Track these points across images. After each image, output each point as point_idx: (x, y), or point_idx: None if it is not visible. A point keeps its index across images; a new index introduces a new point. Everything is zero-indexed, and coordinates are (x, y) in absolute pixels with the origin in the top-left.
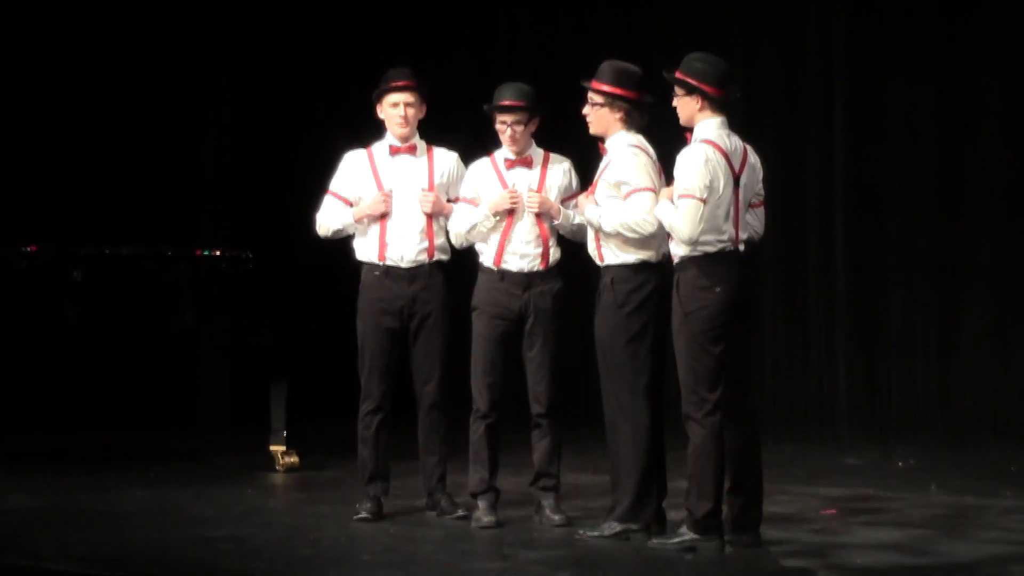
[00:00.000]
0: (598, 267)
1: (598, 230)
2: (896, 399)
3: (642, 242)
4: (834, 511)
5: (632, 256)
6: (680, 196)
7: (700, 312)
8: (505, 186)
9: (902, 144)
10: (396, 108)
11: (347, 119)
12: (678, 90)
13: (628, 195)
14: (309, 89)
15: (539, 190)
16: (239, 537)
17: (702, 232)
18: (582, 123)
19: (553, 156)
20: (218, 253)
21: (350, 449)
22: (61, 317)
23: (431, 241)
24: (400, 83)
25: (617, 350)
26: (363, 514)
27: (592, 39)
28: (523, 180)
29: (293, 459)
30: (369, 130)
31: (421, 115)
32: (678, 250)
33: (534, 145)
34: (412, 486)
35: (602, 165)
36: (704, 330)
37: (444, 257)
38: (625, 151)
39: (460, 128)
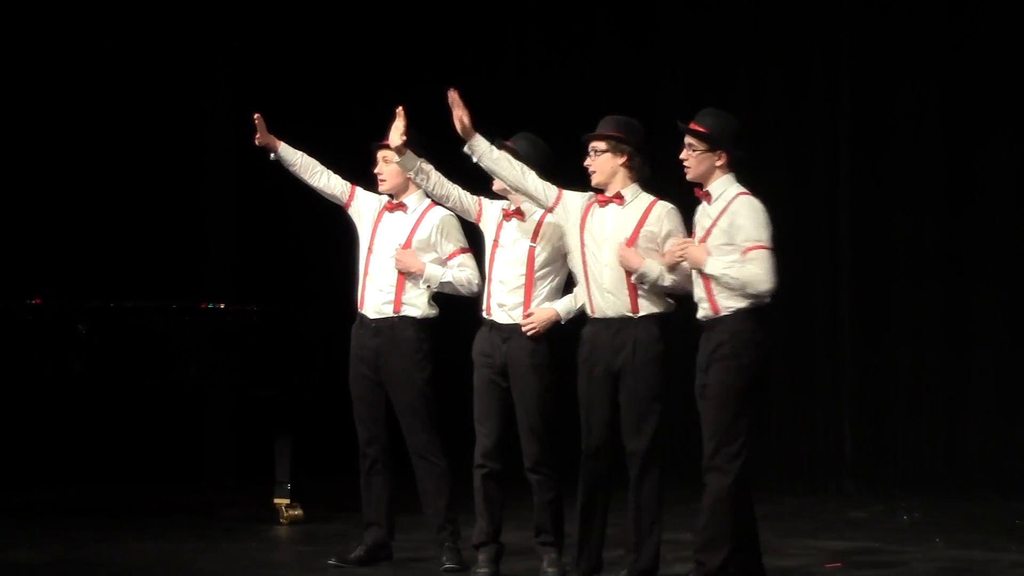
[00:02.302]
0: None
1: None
2: (901, 453)
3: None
4: (839, 565)
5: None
6: (751, 248)
7: (754, 364)
8: (498, 232)
9: (908, 204)
10: (376, 165)
11: (354, 170)
12: (697, 144)
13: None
14: (316, 141)
15: (532, 244)
16: None
17: None
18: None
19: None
20: (223, 306)
21: (355, 502)
22: (66, 370)
23: (398, 296)
24: (383, 141)
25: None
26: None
27: (596, 101)
28: (517, 232)
29: (297, 512)
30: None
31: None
32: (731, 302)
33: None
34: (421, 538)
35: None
36: (755, 381)
37: (415, 313)
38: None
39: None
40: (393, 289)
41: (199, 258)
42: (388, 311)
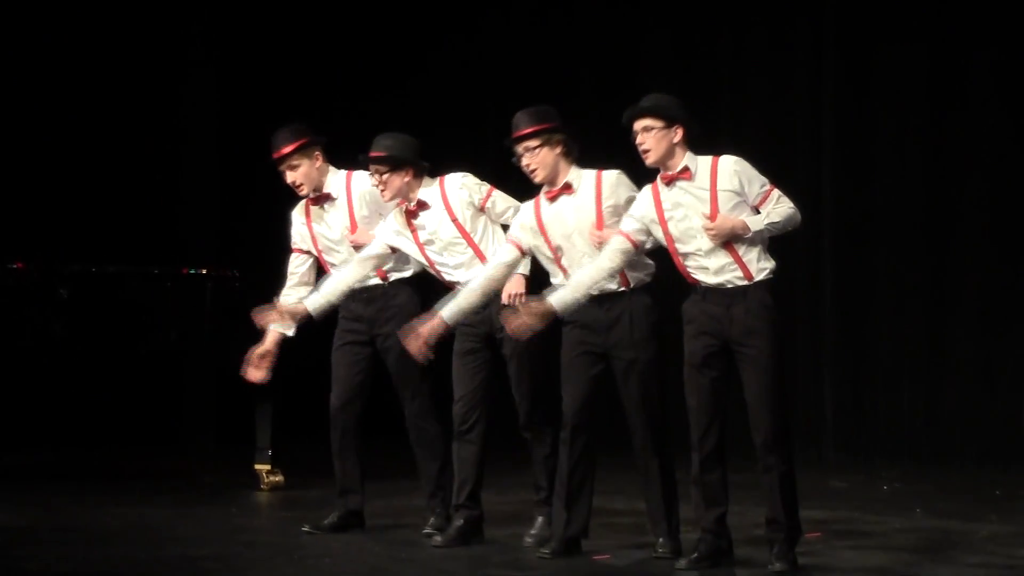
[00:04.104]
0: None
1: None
2: (882, 422)
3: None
4: (819, 534)
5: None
6: (770, 190)
7: (783, 331)
8: (415, 234)
9: (890, 172)
10: (287, 176)
11: (335, 135)
12: (653, 123)
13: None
14: (298, 107)
15: (454, 219)
16: (223, 556)
17: None
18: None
19: (447, 178)
20: (205, 272)
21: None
22: (47, 334)
23: (379, 269)
24: (276, 154)
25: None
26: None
27: (579, 77)
28: (433, 218)
29: (278, 478)
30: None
31: (317, 163)
32: (764, 264)
33: (425, 185)
34: (399, 505)
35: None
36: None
37: (404, 274)
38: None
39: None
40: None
41: (181, 224)
42: (376, 280)
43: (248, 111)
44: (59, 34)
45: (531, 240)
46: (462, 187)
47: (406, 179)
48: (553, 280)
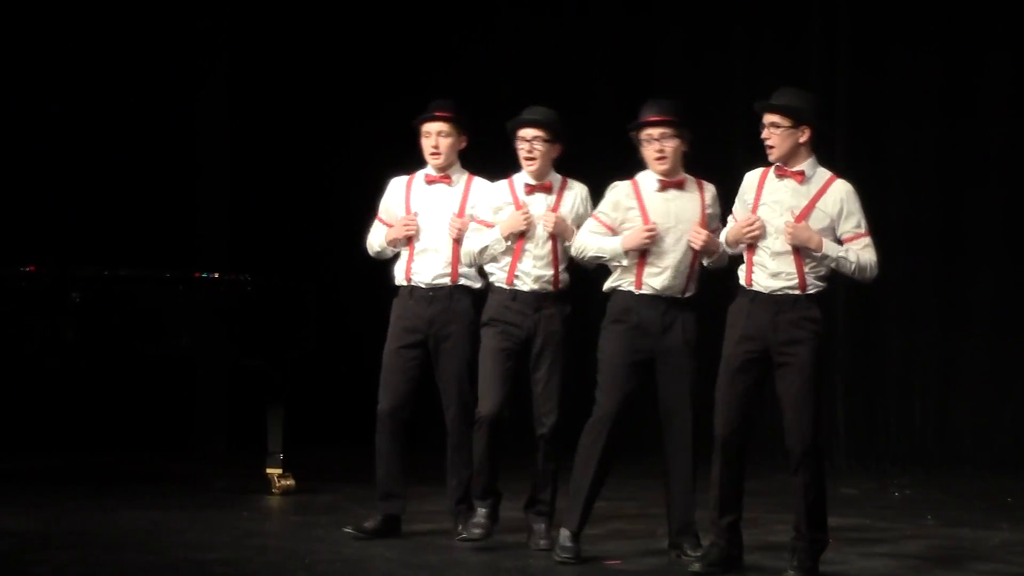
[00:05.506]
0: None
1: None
2: (893, 429)
3: None
4: (830, 541)
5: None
6: (863, 234)
7: (826, 344)
8: (519, 208)
9: (902, 183)
10: (428, 138)
11: (351, 143)
12: (781, 121)
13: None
14: (311, 112)
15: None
16: (235, 561)
17: None
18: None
19: (570, 182)
20: (216, 276)
21: (347, 472)
22: (59, 338)
23: (454, 267)
24: (436, 113)
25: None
26: (349, 528)
27: (592, 64)
28: (541, 205)
29: (289, 482)
30: (379, 156)
31: (460, 146)
32: (820, 282)
33: (553, 172)
34: (412, 510)
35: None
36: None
37: (471, 283)
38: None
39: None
40: (450, 262)
41: (193, 227)
42: (445, 281)
43: (260, 117)
44: (74, 40)
45: (622, 216)
46: (585, 199)
47: (554, 155)
48: (612, 280)
